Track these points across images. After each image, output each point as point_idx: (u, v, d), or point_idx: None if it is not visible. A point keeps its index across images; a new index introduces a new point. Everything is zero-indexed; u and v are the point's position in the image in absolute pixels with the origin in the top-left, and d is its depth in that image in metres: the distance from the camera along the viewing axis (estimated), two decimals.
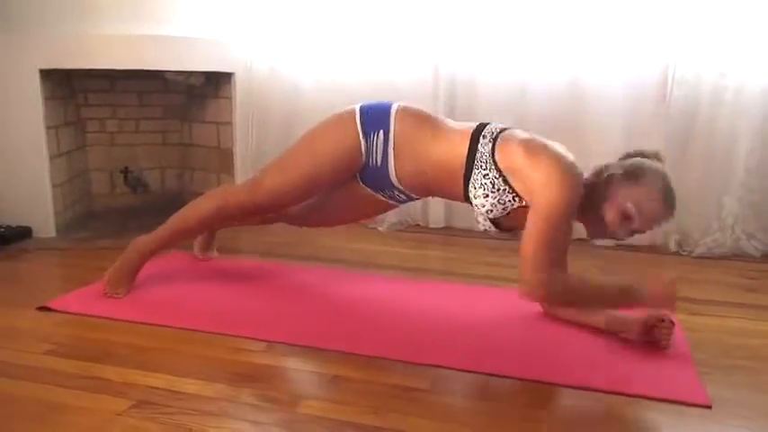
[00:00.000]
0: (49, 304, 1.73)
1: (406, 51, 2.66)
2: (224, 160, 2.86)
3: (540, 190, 1.54)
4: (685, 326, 1.70)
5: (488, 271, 2.19)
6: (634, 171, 1.60)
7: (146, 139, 2.96)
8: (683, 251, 2.45)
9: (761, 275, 2.23)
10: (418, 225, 2.81)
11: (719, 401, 1.32)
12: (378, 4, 2.66)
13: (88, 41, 2.36)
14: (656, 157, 1.67)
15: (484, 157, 1.63)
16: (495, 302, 1.84)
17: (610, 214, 1.59)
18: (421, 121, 1.73)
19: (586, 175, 1.65)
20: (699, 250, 2.41)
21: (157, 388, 1.31)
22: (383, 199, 1.86)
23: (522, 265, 1.54)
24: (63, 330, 1.61)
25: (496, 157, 1.61)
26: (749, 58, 2.32)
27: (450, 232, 2.74)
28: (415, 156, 1.70)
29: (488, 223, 1.72)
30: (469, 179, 1.66)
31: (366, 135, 1.72)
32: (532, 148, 1.58)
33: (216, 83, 2.80)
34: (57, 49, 2.33)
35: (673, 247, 2.47)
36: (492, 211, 1.66)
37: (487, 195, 1.64)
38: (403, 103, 1.78)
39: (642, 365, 1.47)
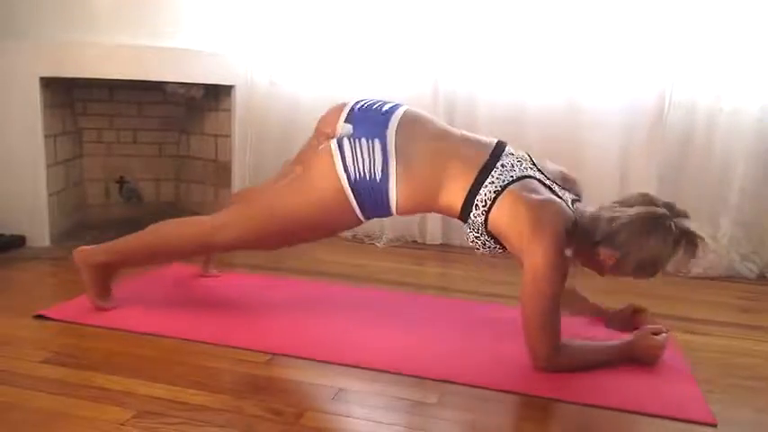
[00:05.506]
0: (46, 313, 1.70)
1: (406, 67, 2.68)
2: (221, 173, 2.85)
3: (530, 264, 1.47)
4: (684, 345, 1.71)
5: (487, 287, 2.19)
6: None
7: (143, 150, 2.94)
8: (680, 272, 2.47)
9: (755, 296, 2.25)
10: (415, 241, 2.81)
11: (723, 420, 1.32)
12: (378, 20, 2.69)
13: (90, 51, 2.35)
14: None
15: (476, 221, 1.56)
16: (498, 318, 1.83)
17: (609, 261, 1.56)
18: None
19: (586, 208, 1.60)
20: (695, 271, 2.43)
21: (159, 398, 1.29)
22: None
23: (527, 341, 1.49)
24: (60, 339, 1.58)
25: (488, 222, 1.55)
26: (744, 81, 2.37)
27: (447, 249, 2.74)
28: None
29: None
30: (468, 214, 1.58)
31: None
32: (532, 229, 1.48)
33: (216, 95, 2.80)
34: (58, 58, 2.32)
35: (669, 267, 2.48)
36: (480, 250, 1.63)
37: (478, 239, 1.60)
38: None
39: (646, 383, 1.47)
